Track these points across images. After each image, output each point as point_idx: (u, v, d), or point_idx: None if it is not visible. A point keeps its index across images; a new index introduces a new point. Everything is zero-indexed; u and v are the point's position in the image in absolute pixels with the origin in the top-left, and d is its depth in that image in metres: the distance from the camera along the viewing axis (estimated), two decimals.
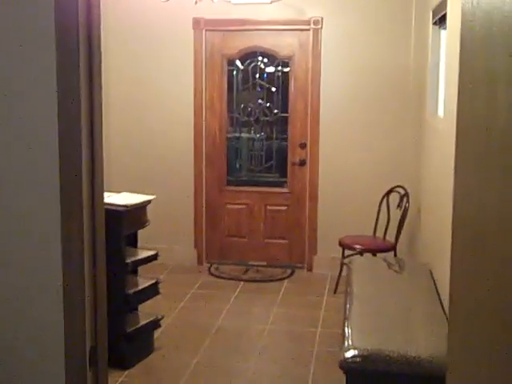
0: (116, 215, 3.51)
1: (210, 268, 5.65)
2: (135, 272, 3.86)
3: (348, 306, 3.35)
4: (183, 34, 5.46)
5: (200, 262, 5.73)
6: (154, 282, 3.78)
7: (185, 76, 5.50)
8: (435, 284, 3.67)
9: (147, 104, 5.62)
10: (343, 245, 4.89)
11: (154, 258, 3.78)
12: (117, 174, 5.63)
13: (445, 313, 3.14)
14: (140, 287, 3.68)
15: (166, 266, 5.62)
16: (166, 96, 5.58)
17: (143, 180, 5.62)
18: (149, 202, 3.75)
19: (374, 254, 4.82)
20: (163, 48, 5.53)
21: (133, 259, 3.63)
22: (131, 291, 3.60)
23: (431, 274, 3.86)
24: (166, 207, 5.57)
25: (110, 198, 3.70)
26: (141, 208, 3.71)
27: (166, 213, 5.54)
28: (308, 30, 5.30)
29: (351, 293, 3.54)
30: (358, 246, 4.79)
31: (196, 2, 3.87)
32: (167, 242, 5.64)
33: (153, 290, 3.76)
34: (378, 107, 5.31)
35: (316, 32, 5.28)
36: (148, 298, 3.76)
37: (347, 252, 4.92)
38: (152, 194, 5.39)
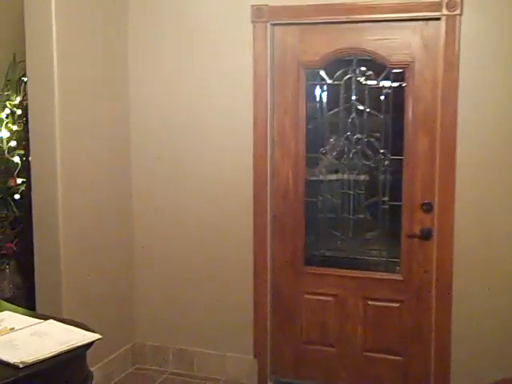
0: None
1: None
2: None
3: None
4: (238, 32, 3.65)
5: (262, 380, 3.87)
6: None
7: (240, 96, 3.70)
8: None
9: (179, 142, 3.87)
10: None
11: None
12: (140, 249, 3.93)
13: None
14: None
15: (213, 382, 3.81)
16: (210, 127, 3.82)
17: (177, 258, 3.94)
18: (86, 347, 1.80)
19: None
20: (207, 55, 3.76)
21: None
22: None
23: None
24: (214, 298, 3.94)
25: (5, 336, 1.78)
26: (67, 362, 1.76)
27: (214, 306, 3.96)
28: (438, 18, 3.31)
29: None
30: None
31: None
32: (217, 348, 3.98)
33: None
34: None
35: (452, 22, 3.28)
36: None
37: None
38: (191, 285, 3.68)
